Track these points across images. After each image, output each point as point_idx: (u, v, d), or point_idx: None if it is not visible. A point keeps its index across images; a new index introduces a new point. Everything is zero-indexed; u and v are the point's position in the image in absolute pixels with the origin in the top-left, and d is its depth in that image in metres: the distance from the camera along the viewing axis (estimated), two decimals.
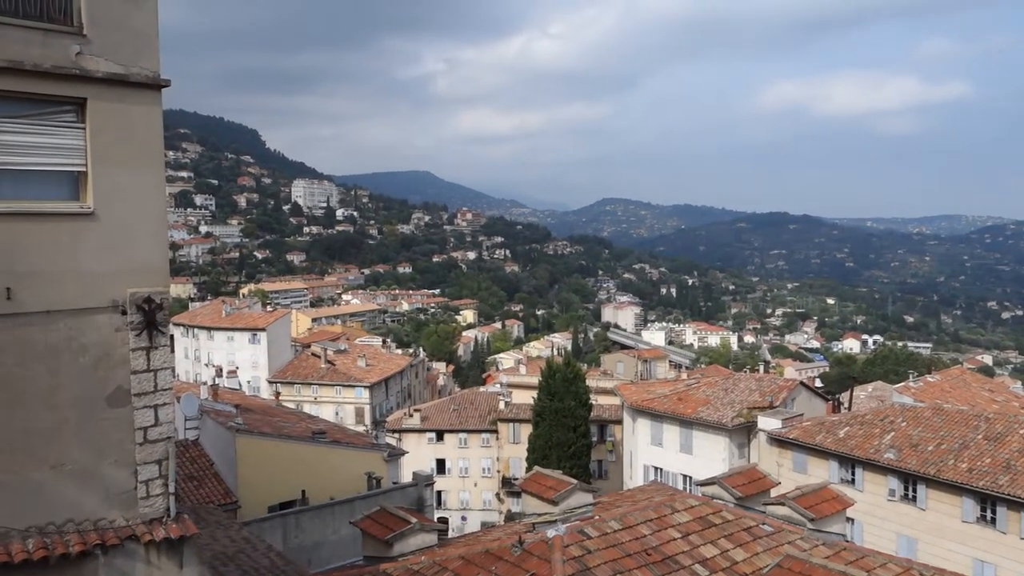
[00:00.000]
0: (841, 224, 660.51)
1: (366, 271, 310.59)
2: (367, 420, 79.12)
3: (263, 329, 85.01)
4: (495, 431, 69.95)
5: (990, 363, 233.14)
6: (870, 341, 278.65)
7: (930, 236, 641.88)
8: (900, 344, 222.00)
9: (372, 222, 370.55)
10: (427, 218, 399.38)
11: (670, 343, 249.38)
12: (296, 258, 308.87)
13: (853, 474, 41.57)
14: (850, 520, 38.64)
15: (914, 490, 39.25)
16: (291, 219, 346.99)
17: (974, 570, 34.64)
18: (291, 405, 60.10)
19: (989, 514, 36.52)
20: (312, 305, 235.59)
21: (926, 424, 40.86)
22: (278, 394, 71.55)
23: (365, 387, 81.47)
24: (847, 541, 18.71)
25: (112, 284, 10.92)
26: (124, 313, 11.03)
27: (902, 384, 57.55)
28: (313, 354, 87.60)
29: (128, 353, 11.16)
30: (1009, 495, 35.25)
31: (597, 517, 16.34)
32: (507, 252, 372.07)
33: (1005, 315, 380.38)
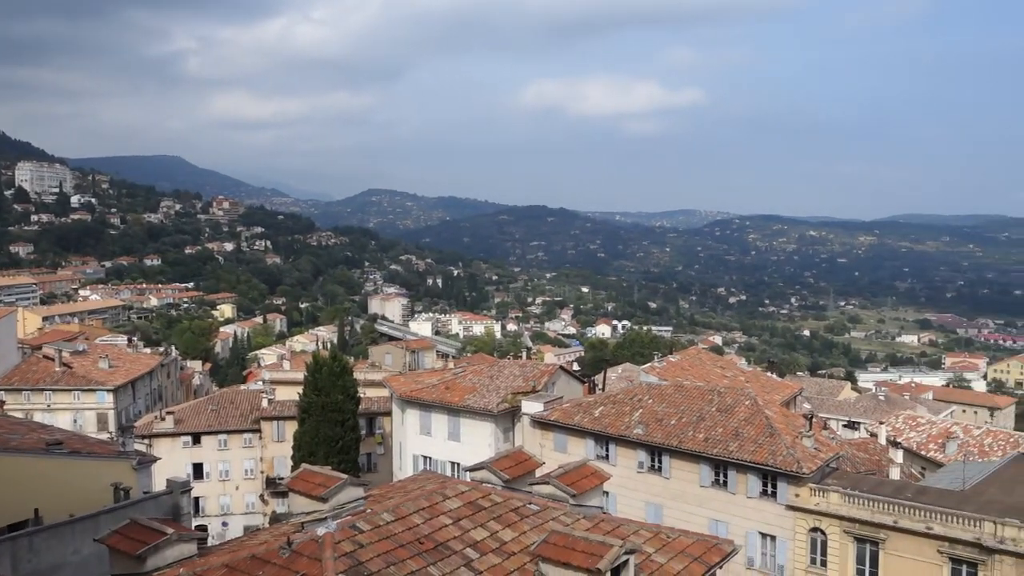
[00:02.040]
0: (594, 217, 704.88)
1: (107, 264, 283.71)
2: (111, 426, 72.47)
3: None
4: (258, 430, 66.98)
5: (720, 343, 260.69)
6: (620, 326, 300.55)
7: (670, 229, 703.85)
8: (646, 328, 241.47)
9: (114, 210, 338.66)
10: (178, 206, 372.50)
11: (437, 333, 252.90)
12: (22, 250, 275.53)
13: (607, 450, 44.57)
14: (606, 493, 41.36)
15: (660, 461, 42.86)
16: (15, 206, 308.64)
17: (710, 529, 38.46)
18: (19, 415, 53.53)
19: (722, 478, 40.76)
20: (43, 302, 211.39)
21: (669, 400, 44.72)
22: (2, 403, 63.38)
23: (108, 391, 74.50)
24: (604, 512, 20.01)
25: None
26: None
27: (648, 365, 62.49)
28: (45, 356, 78.59)
29: None
30: (737, 459, 39.58)
31: (369, 510, 16.15)
32: (268, 243, 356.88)
33: (732, 300, 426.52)
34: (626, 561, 14.88)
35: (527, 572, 15.35)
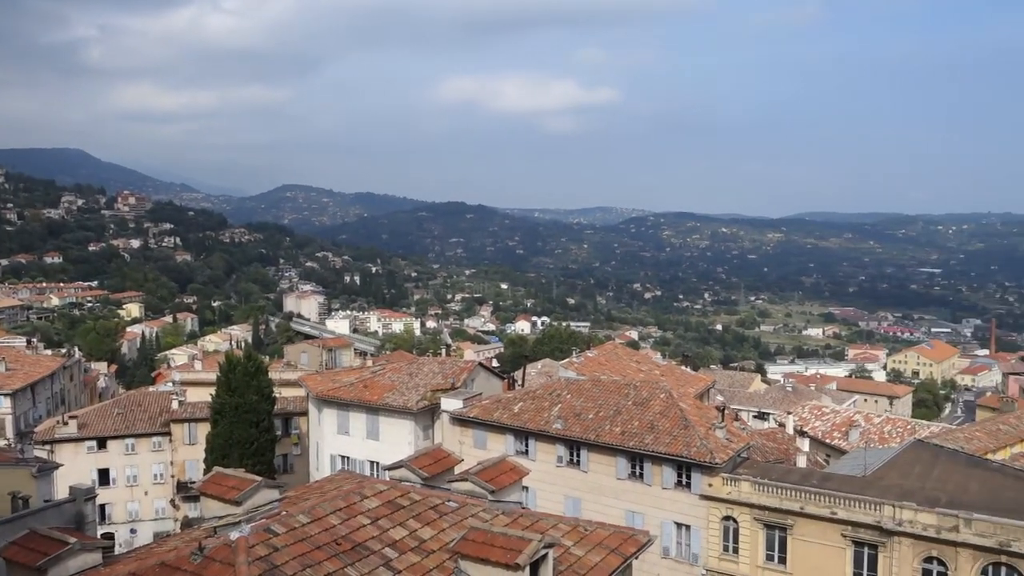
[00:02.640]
0: (512, 214, 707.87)
1: (4, 262, 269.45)
2: (9, 433, 69.00)
3: None
4: (168, 433, 64.81)
5: (637, 338, 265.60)
6: (539, 322, 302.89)
7: (587, 226, 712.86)
8: (564, 324, 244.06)
9: (10, 205, 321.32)
10: (81, 202, 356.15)
11: (355, 331, 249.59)
12: None
13: (527, 445, 44.89)
14: (525, 488, 41.59)
15: (578, 455, 43.42)
16: None
17: (627, 520, 39.19)
18: None
19: (638, 470, 41.60)
20: None
21: (587, 395, 45.35)
22: None
23: (5, 395, 70.86)
24: (523, 508, 20.15)
25: None
26: None
27: (566, 360, 63.18)
28: None
29: None
30: (653, 452, 40.45)
31: (284, 513, 15.84)
32: (177, 240, 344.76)
33: (648, 295, 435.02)
34: (545, 555, 15.03)
35: (446, 570, 15.34)
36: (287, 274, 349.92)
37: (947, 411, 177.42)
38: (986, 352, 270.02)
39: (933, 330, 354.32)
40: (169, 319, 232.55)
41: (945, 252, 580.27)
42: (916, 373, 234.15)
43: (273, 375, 63.56)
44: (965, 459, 44.56)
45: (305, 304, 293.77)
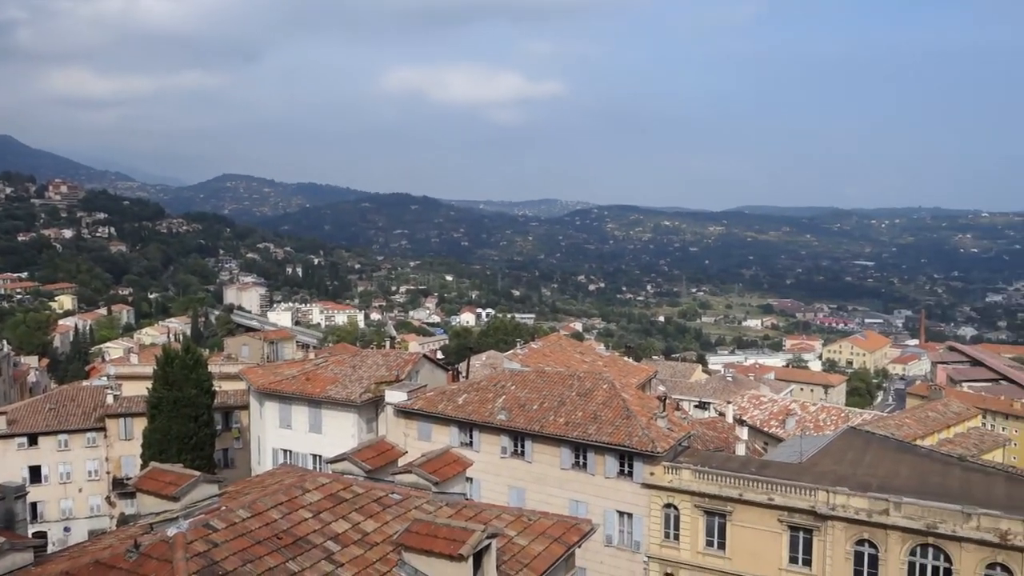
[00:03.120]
0: (457, 206, 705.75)
1: None
2: None
3: None
4: (103, 429, 63.11)
5: (581, 329, 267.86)
6: (484, 314, 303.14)
7: (532, 218, 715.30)
8: (509, 316, 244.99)
9: None
10: (9, 190, 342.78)
11: (297, 323, 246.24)
12: None
13: (472, 437, 44.96)
14: (470, 479, 41.70)
15: (522, 446, 43.67)
16: None
17: (570, 510, 39.56)
18: None
19: (582, 460, 42.03)
20: None
21: (531, 386, 45.60)
22: None
23: None
24: (467, 499, 20.21)
25: None
26: None
27: (511, 351, 63.40)
28: None
29: None
30: (596, 442, 40.91)
31: (224, 508, 15.60)
32: (112, 230, 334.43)
33: (592, 287, 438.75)
34: (488, 545, 15.11)
35: (390, 562, 15.31)
36: (227, 265, 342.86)
37: (879, 399, 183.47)
38: (916, 342, 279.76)
39: (866, 321, 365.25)
40: (103, 311, 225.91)
41: (878, 246, 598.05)
42: (850, 363, 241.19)
43: (213, 368, 62.38)
44: (895, 445, 46.16)
45: (246, 296, 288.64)
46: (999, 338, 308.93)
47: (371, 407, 47.66)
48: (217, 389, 58.33)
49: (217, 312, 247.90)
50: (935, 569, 34.80)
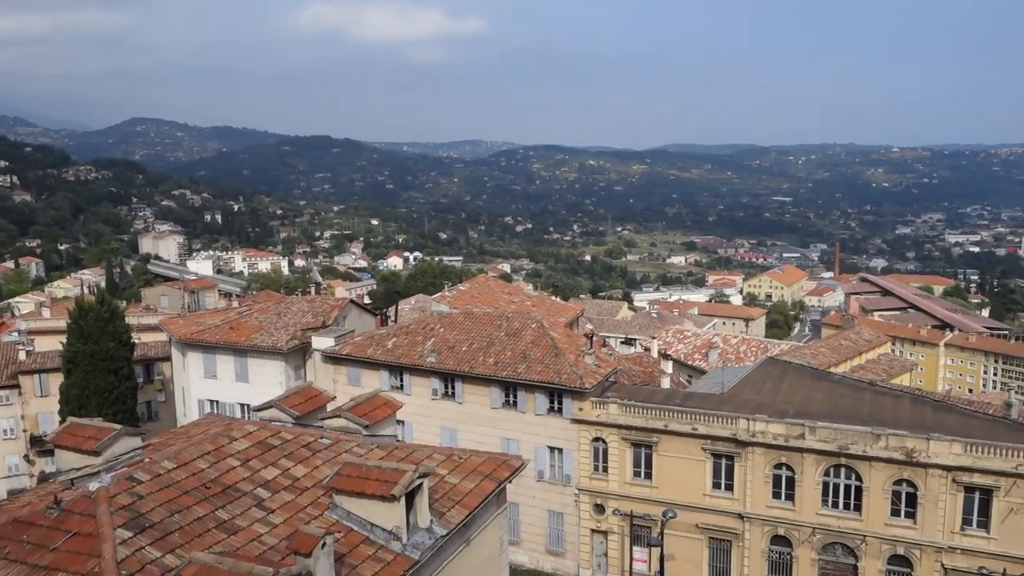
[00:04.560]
0: (381, 148, 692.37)
1: None
2: None
3: None
4: (16, 386, 60.73)
5: (509, 270, 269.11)
6: (411, 257, 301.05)
7: (457, 159, 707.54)
8: (437, 259, 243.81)
9: None
10: None
11: (219, 272, 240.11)
12: None
13: (402, 380, 45.03)
14: (401, 422, 41.89)
15: (453, 387, 43.97)
16: None
17: (502, 447, 40.23)
18: None
19: (512, 399, 42.61)
20: None
21: (460, 328, 45.73)
22: None
23: None
24: (399, 441, 20.28)
25: None
26: None
27: (439, 294, 63.31)
28: None
29: None
30: (526, 380, 41.46)
31: (148, 460, 15.27)
32: (14, 179, 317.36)
33: (519, 228, 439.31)
34: (420, 484, 15.22)
35: (321, 506, 15.30)
36: (141, 213, 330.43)
37: (796, 330, 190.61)
38: (831, 275, 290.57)
39: (785, 255, 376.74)
40: (10, 265, 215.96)
41: (795, 181, 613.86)
42: (769, 296, 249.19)
43: (131, 320, 60.52)
44: (811, 373, 48.19)
45: (163, 245, 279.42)
46: (908, 269, 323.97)
47: (298, 354, 47.14)
48: (137, 341, 56.65)
49: (133, 262, 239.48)
50: (847, 488, 36.83)
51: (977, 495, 34.76)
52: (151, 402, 61.22)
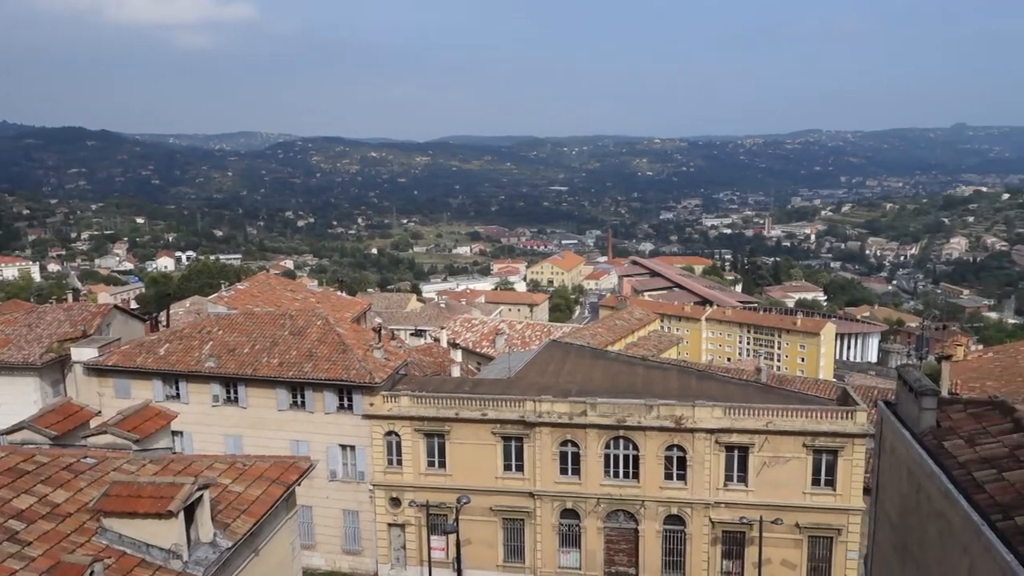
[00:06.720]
0: (144, 140, 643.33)
1: None
2: None
3: None
4: None
5: (293, 267, 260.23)
6: (184, 257, 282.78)
7: (231, 152, 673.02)
8: (213, 257, 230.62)
9: None
10: None
11: None
12: None
13: (178, 388, 42.29)
14: (179, 433, 39.39)
15: (235, 392, 41.94)
16: None
17: (291, 450, 39.01)
18: None
19: (300, 399, 41.39)
20: None
21: (240, 329, 43.66)
22: None
23: None
24: (175, 453, 19.02)
25: None
26: None
27: (216, 295, 60.03)
28: None
29: None
30: (313, 379, 40.44)
31: None
32: None
33: (301, 223, 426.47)
34: (200, 497, 14.38)
35: (88, 531, 14.02)
36: None
37: (577, 313, 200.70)
38: (605, 259, 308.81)
39: (563, 242, 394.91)
40: None
41: (570, 172, 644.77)
42: (551, 282, 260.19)
43: None
44: (590, 352, 50.97)
45: None
46: (672, 251, 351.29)
47: (56, 368, 42.84)
48: None
49: None
50: (626, 457, 39.45)
51: (736, 453, 38.56)
52: None
